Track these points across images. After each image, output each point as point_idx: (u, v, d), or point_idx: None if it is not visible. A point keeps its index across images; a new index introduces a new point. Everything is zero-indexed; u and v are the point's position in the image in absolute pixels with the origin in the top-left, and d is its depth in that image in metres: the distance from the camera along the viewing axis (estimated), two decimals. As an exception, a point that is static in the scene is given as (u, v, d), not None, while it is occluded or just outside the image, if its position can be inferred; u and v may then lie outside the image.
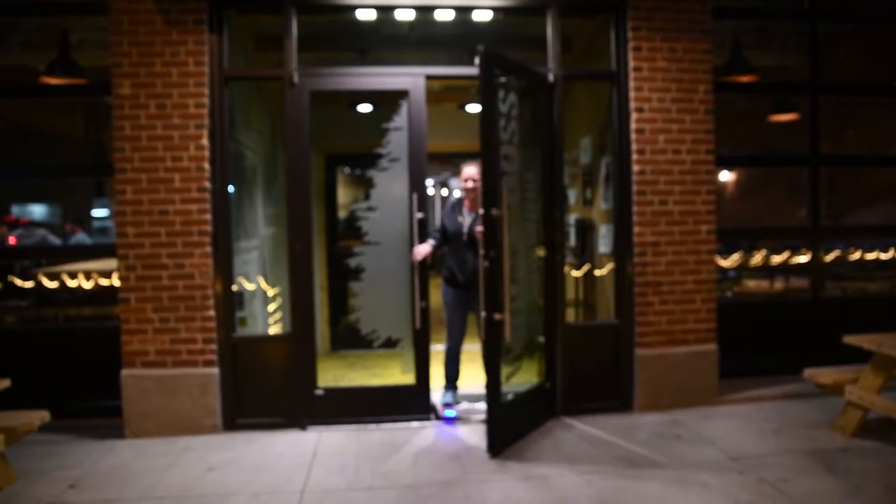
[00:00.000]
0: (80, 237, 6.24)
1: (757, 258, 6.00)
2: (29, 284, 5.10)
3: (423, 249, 4.37)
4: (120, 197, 4.27)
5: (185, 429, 4.28)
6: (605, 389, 4.66)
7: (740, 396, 4.78)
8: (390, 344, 4.56)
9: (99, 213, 7.28)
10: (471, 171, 4.48)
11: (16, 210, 7.81)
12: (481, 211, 3.93)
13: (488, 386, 3.89)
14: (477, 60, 3.85)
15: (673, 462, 3.69)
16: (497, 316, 3.88)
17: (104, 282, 4.94)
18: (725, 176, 8.84)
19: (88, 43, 5.04)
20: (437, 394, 4.73)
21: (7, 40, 5.12)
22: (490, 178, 3.86)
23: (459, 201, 4.70)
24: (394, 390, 4.65)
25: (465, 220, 4.55)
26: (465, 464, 3.74)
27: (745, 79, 5.44)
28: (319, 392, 4.45)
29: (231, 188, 4.57)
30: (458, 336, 4.66)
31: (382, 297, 4.52)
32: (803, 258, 5.61)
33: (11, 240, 6.10)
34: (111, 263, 4.45)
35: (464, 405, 4.69)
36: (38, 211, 8.53)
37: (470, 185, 4.49)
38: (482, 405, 4.29)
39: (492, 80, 3.94)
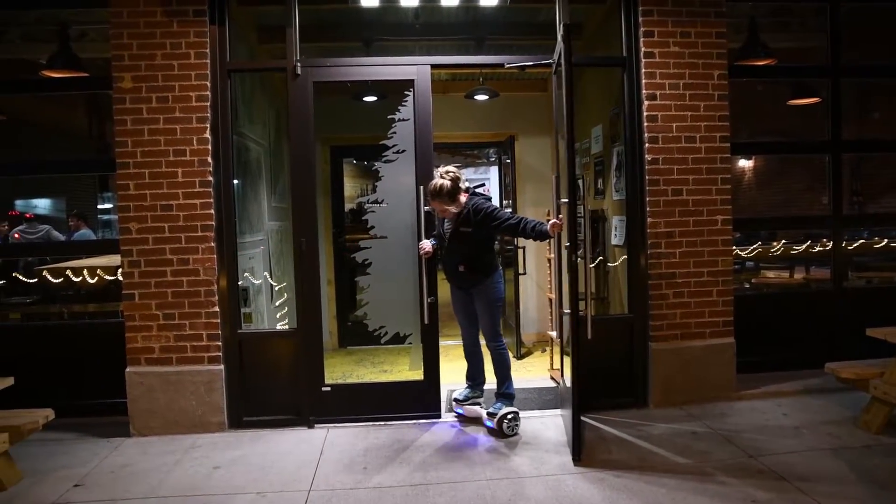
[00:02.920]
0: (84, 232, 6.21)
1: (776, 248, 5.84)
2: (33, 281, 5.07)
3: (426, 245, 4.23)
4: (122, 192, 4.21)
5: (190, 427, 4.22)
6: (619, 385, 4.55)
7: (759, 391, 4.64)
8: (398, 340, 4.47)
9: (104, 208, 7.25)
10: (434, 185, 3.99)
11: (20, 205, 7.80)
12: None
13: (572, 385, 3.69)
14: (561, 34, 3.64)
15: (688, 460, 3.57)
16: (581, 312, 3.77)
17: (109, 278, 4.89)
18: (744, 164, 8.68)
19: (91, 35, 4.99)
20: (445, 390, 4.66)
21: (8, 34, 5.07)
22: (570, 165, 3.71)
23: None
24: (402, 387, 4.57)
25: (446, 226, 4.20)
26: (473, 461, 3.65)
27: (762, 62, 5.26)
28: (326, 389, 4.38)
29: (235, 182, 4.49)
30: (466, 336, 4.41)
31: (390, 292, 4.43)
32: (825, 247, 5.43)
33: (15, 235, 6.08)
34: (115, 259, 4.39)
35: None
36: (42, 206, 8.53)
37: (436, 209, 4.11)
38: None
39: (570, 58, 3.68)
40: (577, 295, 3.72)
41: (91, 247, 5.67)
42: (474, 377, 4.45)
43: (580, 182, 6.36)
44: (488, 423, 4.14)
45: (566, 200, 3.84)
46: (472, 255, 4.14)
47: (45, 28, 4.96)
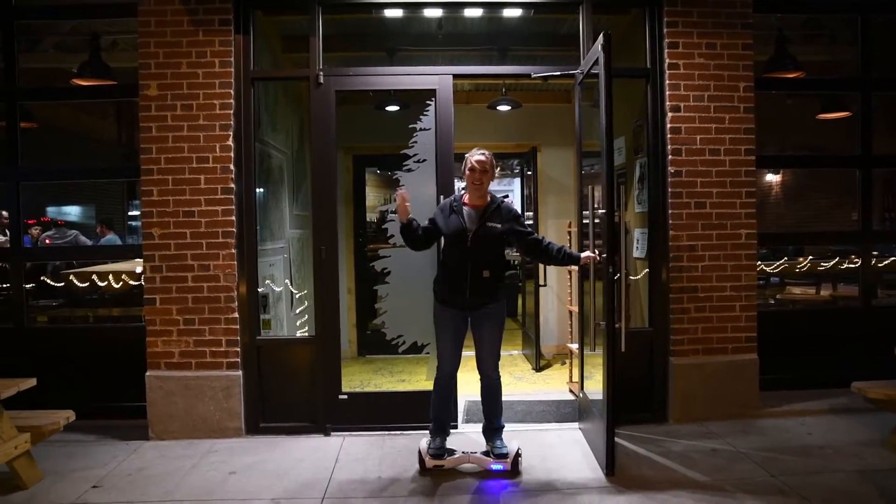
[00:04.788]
0: (111, 238, 6.34)
1: (803, 264, 5.71)
2: (60, 285, 5.17)
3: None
4: (146, 198, 4.28)
5: (208, 432, 4.25)
6: (639, 400, 4.47)
7: (783, 410, 4.53)
8: (416, 349, 4.46)
9: (133, 214, 7.40)
10: (481, 155, 3.59)
11: (52, 211, 7.99)
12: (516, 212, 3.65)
13: (606, 401, 3.62)
14: (601, 42, 3.57)
15: (707, 478, 3.49)
16: (616, 325, 3.70)
17: (132, 283, 4.96)
18: (771, 178, 8.54)
19: (122, 45, 5.11)
20: (463, 401, 4.62)
21: (43, 43, 5.22)
22: (610, 175, 3.66)
23: (458, 199, 3.70)
24: (419, 396, 4.52)
25: (467, 220, 3.60)
26: (490, 473, 3.61)
27: (790, 75, 5.18)
28: (343, 397, 4.38)
29: (257, 190, 4.54)
30: (452, 365, 3.73)
31: (408, 302, 4.42)
32: (853, 264, 5.30)
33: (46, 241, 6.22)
34: (140, 264, 4.46)
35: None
36: (73, 212, 8.73)
37: (477, 171, 3.56)
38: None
39: (610, 67, 3.59)
40: (613, 308, 3.60)
41: (116, 252, 5.78)
42: (445, 419, 3.82)
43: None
44: (498, 467, 3.62)
45: (607, 211, 3.59)
46: (497, 260, 3.67)
47: (78, 38, 5.08)
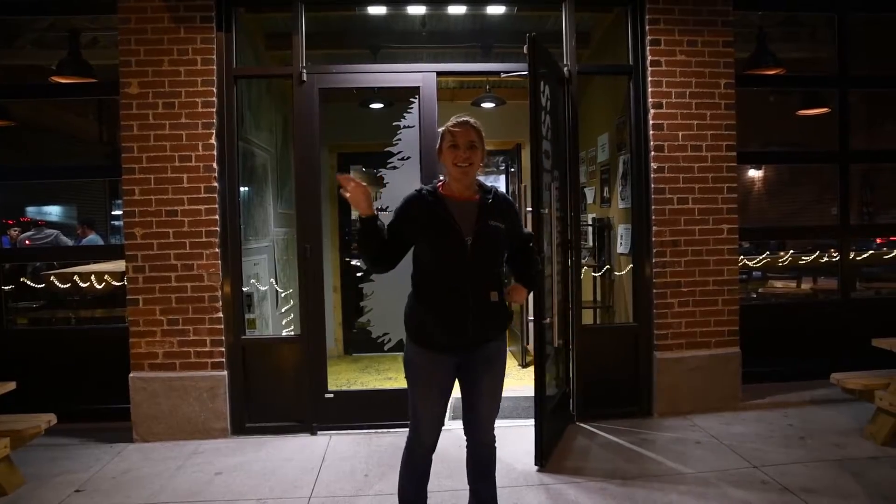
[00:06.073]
0: (92, 238, 6.26)
1: (784, 258, 5.80)
2: (40, 286, 5.10)
3: None
4: (128, 197, 4.23)
5: (193, 432, 4.22)
6: (624, 394, 4.51)
7: (765, 402, 4.60)
8: (402, 347, 4.44)
9: (116, 214, 7.32)
10: (465, 121, 2.53)
11: (32, 211, 7.88)
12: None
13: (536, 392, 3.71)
14: (526, 45, 3.68)
15: (692, 470, 3.54)
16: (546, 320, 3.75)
17: (115, 283, 4.91)
18: (753, 173, 8.65)
19: (102, 41, 5.04)
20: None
21: (20, 39, 5.14)
22: (538, 174, 3.71)
23: (433, 190, 2.59)
24: (405, 394, 4.53)
25: (459, 220, 2.48)
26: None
27: (770, 72, 5.24)
28: (329, 395, 4.37)
29: (241, 188, 4.51)
30: (435, 434, 2.63)
31: (394, 299, 4.40)
32: (833, 258, 5.39)
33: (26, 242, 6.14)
34: (122, 265, 4.42)
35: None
36: (54, 212, 8.61)
37: (461, 147, 2.48)
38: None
39: (537, 69, 3.72)
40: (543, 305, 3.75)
41: (98, 252, 5.71)
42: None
43: (588, 191, 6.35)
44: None
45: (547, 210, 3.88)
46: (499, 276, 2.62)
47: (57, 34, 5.01)
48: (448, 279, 2.48)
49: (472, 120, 2.54)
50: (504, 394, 2.76)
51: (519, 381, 5.68)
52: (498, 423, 2.71)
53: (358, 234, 2.52)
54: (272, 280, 5.62)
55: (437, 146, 2.62)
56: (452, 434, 3.59)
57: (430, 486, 2.77)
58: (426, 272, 2.54)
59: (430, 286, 2.52)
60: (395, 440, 4.12)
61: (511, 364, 6.38)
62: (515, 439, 3.98)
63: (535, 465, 3.68)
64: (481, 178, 2.68)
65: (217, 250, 4.24)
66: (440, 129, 2.61)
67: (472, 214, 2.51)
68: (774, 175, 8.58)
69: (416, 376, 2.61)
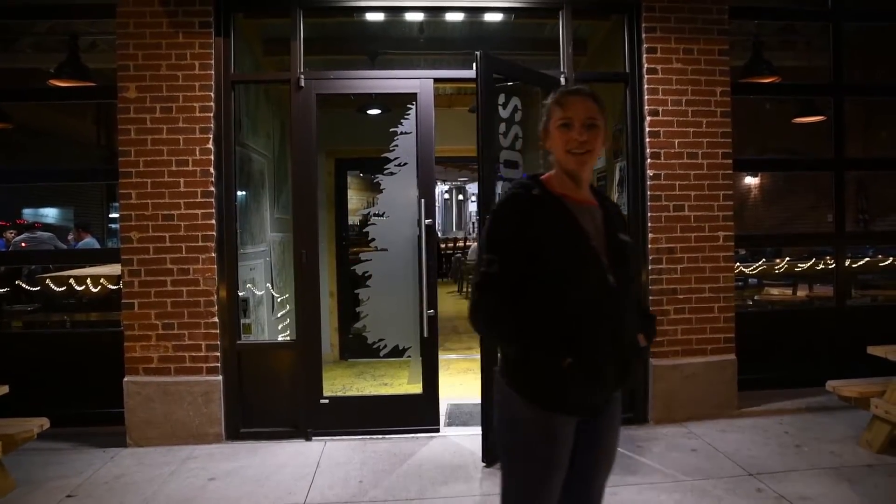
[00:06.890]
0: (89, 241, 6.25)
1: (780, 265, 5.81)
2: (35, 289, 5.09)
3: None
4: (124, 201, 4.22)
5: (187, 437, 4.20)
6: (622, 401, 4.49)
7: (761, 409, 4.59)
8: (398, 353, 4.45)
9: (113, 217, 7.31)
10: (585, 96, 1.88)
11: (29, 214, 7.86)
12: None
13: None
14: (474, 65, 3.78)
15: (688, 478, 3.53)
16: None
17: (111, 287, 4.90)
18: (750, 181, 8.67)
19: (101, 46, 5.05)
20: (445, 404, 4.62)
21: (19, 43, 5.15)
22: (487, 186, 3.77)
23: (539, 184, 1.89)
24: (400, 400, 4.55)
25: (592, 231, 1.86)
26: (471, 476, 3.62)
27: (766, 80, 5.27)
28: (325, 401, 4.36)
29: (238, 193, 4.51)
30: None
31: (389, 305, 4.42)
32: (828, 265, 5.40)
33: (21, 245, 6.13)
34: (117, 268, 4.41)
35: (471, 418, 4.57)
36: (51, 215, 8.59)
37: (575, 126, 1.83)
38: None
39: (490, 84, 3.82)
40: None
41: (94, 255, 5.70)
42: None
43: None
44: None
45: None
46: (644, 310, 2.11)
47: (56, 38, 5.02)
48: (588, 313, 1.78)
49: (587, 88, 1.88)
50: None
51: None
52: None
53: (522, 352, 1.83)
54: (268, 285, 5.62)
55: (541, 126, 1.91)
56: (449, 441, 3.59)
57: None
58: (551, 304, 1.78)
59: (569, 328, 1.78)
60: (389, 447, 4.11)
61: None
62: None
63: None
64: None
65: (213, 255, 4.23)
66: (546, 102, 1.91)
67: (599, 224, 1.87)
68: (770, 182, 8.61)
69: (532, 451, 1.87)
